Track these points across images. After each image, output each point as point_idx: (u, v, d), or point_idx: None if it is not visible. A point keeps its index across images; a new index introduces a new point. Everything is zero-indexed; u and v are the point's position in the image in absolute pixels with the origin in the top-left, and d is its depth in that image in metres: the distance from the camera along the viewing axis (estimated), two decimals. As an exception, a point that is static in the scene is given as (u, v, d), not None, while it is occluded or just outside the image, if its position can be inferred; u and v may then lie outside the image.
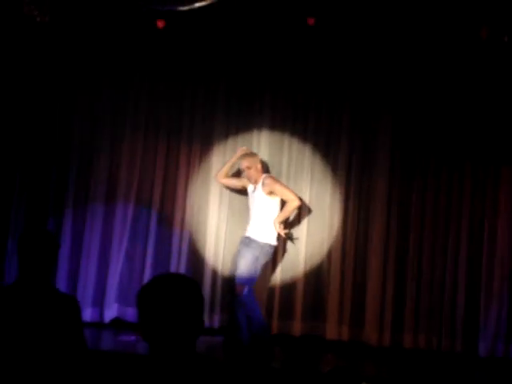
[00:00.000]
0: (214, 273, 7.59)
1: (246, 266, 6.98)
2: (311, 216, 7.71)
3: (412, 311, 7.55)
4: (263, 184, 7.14)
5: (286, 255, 7.68)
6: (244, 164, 7.23)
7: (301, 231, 7.67)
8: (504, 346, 7.46)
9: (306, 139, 7.79)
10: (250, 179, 7.24)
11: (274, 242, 7.14)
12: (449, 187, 7.67)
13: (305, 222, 7.70)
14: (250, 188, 7.31)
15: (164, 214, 7.71)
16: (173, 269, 7.55)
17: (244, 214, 7.49)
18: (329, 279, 7.61)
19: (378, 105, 7.77)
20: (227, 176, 7.50)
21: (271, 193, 7.14)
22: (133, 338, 7.03)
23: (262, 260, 7.08)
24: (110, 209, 7.68)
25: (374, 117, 7.77)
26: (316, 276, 7.64)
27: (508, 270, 7.51)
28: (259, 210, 7.15)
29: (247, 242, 7.07)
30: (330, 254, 7.65)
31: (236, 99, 7.81)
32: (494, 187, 7.60)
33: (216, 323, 7.50)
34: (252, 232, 7.11)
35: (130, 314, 7.56)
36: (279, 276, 7.66)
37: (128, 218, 7.65)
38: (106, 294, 7.58)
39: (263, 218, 7.13)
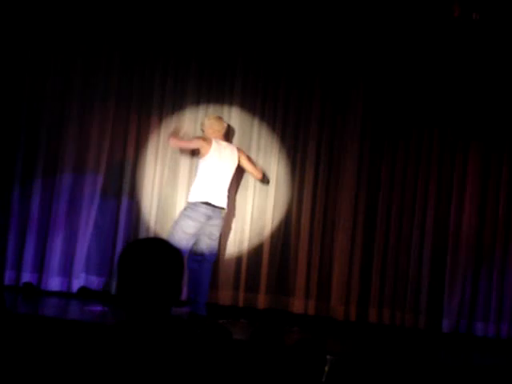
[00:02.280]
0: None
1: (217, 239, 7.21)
2: (279, 189, 7.73)
3: (378, 287, 7.63)
4: (238, 150, 7.37)
5: (253, 228, 7.71)
6: (225, 124, 7.36)
7: (267, 205, 7.71)
8: (467, 322, 7.58)
9: (276, 113, 7.80)
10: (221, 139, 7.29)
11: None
12: (417, 163, 7.75)
13: (271, 196, 7.72)
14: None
15: (134, 186, 7.70)
16: (141, 239, 7.53)
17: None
18: (296, 253, 7.67)
19: (348, 74, 7.78)
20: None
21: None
22: (99, 307, 7.05)
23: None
24: (79, 180, 7.63)
25: (345, 85, 7.79)
26: (283, 250, 7.69)
27: (473, 247, 7.60)
28: (230, 177, 7.26)
29: (220, 215, 7.13)
30: (297, 228, 7.70)
31: (207, 73, 7.78)
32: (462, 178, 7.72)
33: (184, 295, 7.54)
34: (223, 202, 7.16)
35: (98, 283, 7.57)
36: (246, 250, 7.71)
37: (97, 189, 7.62)
38: (73, 263, 7.57)
39: (229, 185, 7.28)
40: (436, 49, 7.66)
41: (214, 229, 7.07)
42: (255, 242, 7.70)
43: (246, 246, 7.70)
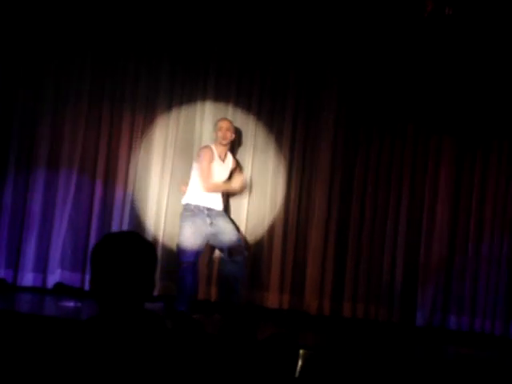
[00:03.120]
0: (155, 242, 7.60)
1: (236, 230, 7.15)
2: (254, 185, 7.75)
3: (352, 281, 7.67)
4: (232, 157, 7.29)
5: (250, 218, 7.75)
6: (224, 124, 7.21)
7: (243, 198, 7.72)
8: (441, 316, 7.63)
9: (251, 107, 7.82)
10: (223, 141, 7.17)
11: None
12: (390, 156, 7.79)
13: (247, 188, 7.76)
14: (219, 161, 7.21)
15: (108, 182, 7.70)
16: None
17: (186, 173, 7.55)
18: (270, 248, 7.69)
19: (323, 66, 7.81)
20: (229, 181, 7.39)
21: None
22: (74, 303, 7.05)
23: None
24: (53, 176, 7.63)
25: (320, 79, 7.81)
26: (257, 245, 7.72)
27: (446, 241, 7.66)
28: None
29: (223, 213, 7.17)
30: (271, 222, 7.73)
31: (180, 67, 7.78)
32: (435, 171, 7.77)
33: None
34: (221, 205, 7.18)
35: (73, 279, 7.57)
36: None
37: (71, 185, 7.62)
38: (48, 259, 7.56)
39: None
40: (411, 41, 7.66)
41: (222, 224, 7.08)
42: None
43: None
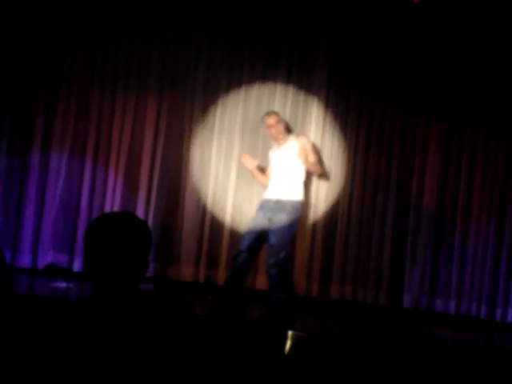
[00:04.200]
0: (146, 220, 7.67)
1: (285, 231, 7.00)
2: (244, 147, 7.77)
3: (340, 264, 7.71)
4: (297, 140, 7.19)
5: (214, 204, 7.78)
6: (272, 120, 7.16)
7: (230, 179, 7.80)
8: (428, 299, 7.70)
9: (243, 70, 7.86)
10: (275, 136, 7.19)
11: (304, 198, 7.23)
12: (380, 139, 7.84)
13: (234, 168, 7.81)
14: (273, 151, 7.29)
15: (98, 162, 7.75)
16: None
17: (178, 157, 7.68)
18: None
19: (314, 37, 7.81)
20: (265, 175, 7.43)
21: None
22: (66, 284, 7.09)
23: (297, 221, 7.16)
24: (45, 156, 7.68)
25: (311, 51, 7.82)
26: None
27: (433, 224, 7.70)
28: (290, 168, 7.16)
29: (280, 206, 7.05)
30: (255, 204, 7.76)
31: (173, 39, 7.85)
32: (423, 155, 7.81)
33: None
34: (283, 193, 7.11)
35: (64, 260, 7.62)
36: (208, 226, 7.78)
37: (63, 166, 7.67)
38: (40, 240, 7.61)
39: (294, 176, 7.15)
40: (403, 17, 7.69)
41: (276, 222, 7.07)
42: (216, 218, 7.79)
43: (207, 222, 7.78)
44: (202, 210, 7.78)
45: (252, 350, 3.91)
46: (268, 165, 7.41)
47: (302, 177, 7.19)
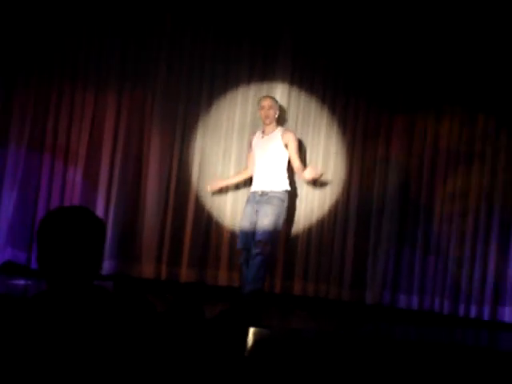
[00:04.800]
0: (106, 218, 7.60)
1: (270, 224, 6.96)
2: (204, 157, 7.75)
3: (302, 260, 7.68)
4: (283, 134, 7.16)
5: (176, 200, 7.73)
6: (266, 102, 7.18)
7: (192, 178, 7.74)
8: (391, 295, 7.69)
9: (203, 72, 7.81)
10: (265, 120, 7.17)
11: (289, 187, 7.20)
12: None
13: (197, 162, 7.76)
14: (257, 139, 7.26)
15: (57, 158, 7.65)
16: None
17: (138, 153, 7.63)
18: (220, 226, 7.71)
19: (277, 28, 7.79)
20: (243, 170, 7.50)
21: (286, 146, 7.15)
22: (23, 281, 6.99)
23: (284, 214, 7.13)
24: (2, 152, 7.57)
25: (274, 41, 7.79)
26: (207, 223, 7.73)
27: (396, 220, 7.69)
28: (273, 159, 7.14)
29: (265, 198, 7.03)
30: (220, 200, 7.73)
31: (134, 35, 7.78)
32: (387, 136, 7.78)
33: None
34: (267, 185, 7.09)
35: (23, 257, 7.51)
36: (169, 223, 7.72)
37: (20, 162, 7.57)
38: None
39: (277, 167, 7.13)
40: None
41: (260, 213, 7.05)
42: (178, 214, 7.72)
43: (169, 219, 7.71)
44: (163, 206, 7.71)
45: (211, 347, 3.85)
46: (249, 152, 7.38)
47: (285, 165, 7.18)
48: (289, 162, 7.20)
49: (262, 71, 7.79)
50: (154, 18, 7.76)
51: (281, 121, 7.50)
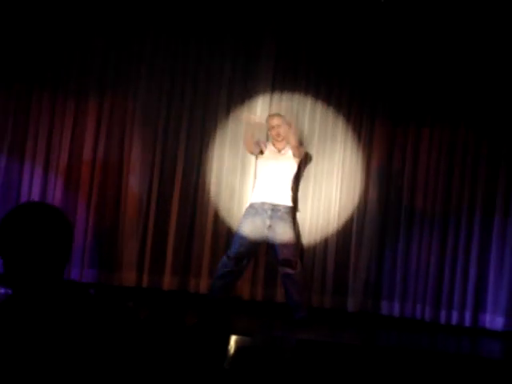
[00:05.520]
0: (86, 225, 7.60)
1: (292, 240, 7.04)
2: (187, 160, 7.75)
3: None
4: (297, 150, 7.13)
5: (157, 208, 7.71)
6: (275, 121, 7.14)
7: (174, 185, 7.72)
8: (372, 302, 7.68)
9: (186, 76, 7.80)
10: (277, 138, 7.13)
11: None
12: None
13: (179, 174, 7.73)
14: (271, 152, 7.21)
15: (37, 165, 7.62)
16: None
17: (119, 160, 7.61)
18: (203, 234, 7.69)
19: (260, 26, 7.80)
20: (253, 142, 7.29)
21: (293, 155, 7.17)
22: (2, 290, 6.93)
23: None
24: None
25: (257, 44, 7.80)
26: (189, 230, 7.71)
27: (377, 227, 7.69)
28: (287, 176, 7.14)
29: (279, 214, 7.02)
30: (202, 207, 7.71)
31: (114, 40, 7.76)
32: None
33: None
34: (278, 198, 7.07)
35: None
36: (151, 230, 7.69)
37: (1, 169, 7.55)
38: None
39: (289, 184, 7.15)
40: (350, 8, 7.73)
41: (278, 231, 7.05)
42: (160, 222, 7.70)
43: (150, 227, 7.68)
44: (144, 214, 7.68)
45: (192, 355, 3.83)
46: (253, 146, 7.26)
47: (293, 182, 7.24)
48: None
49: (244, 73, 7.78)
50: (135, 24, 7.74)
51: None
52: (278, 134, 7.12)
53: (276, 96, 7.76)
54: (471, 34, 7.60)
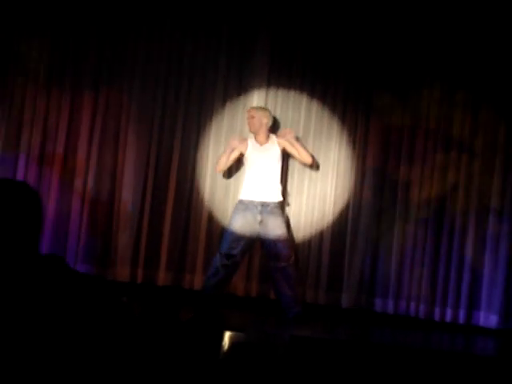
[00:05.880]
0: (81, 219, 7.61)
1: (284, 234, 7.10)
2: (182, 155, 7.75)
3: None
4: (279, 140, 7.17)
5: (153, 203, 7.72)
6: (249, 113, 7.21)
7: (169, 180, 7.72)
8: (367, 298, 7.67)
9: (182, 70, 7.79)
10: (250, 128, 7.19)
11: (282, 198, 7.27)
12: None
13: (174, 169, 7.73)
14: (252, 148, 7.20)
15: (32, 160, 7.62)
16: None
17: (113, 155, 7.65)
18: (197, 230, 7.69)
19: (255, 23, 7.79)
20: (226, 166, 7.37)
21: (283, 151, 7.20)
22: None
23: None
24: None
25: (251, 39, 7.79)
26: (184, 225, 7.70)
27: (372, 223, 7.69)
28: (273, 170, 7.15)
29: (269, 209, 7.06)
30: (197, 202, 7.71)
31: (109, 34, 7.76)
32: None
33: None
34: (266, 195, 7.10)
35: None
36: (146, 225, 7.70)
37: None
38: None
39: (275, 178, 7.17)
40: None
41: (270, 225, 7.09)
42: (155, 216, 7.69)
43: (145, 221, 7.68)
44: (139, 208, 7.68)
45: (185, 351, 3.83)
46: (229, 152, 7.29)
47: (280, 176, 7.24)
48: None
49: (239, 70, 7.76)
50: (130, 19, 7.73)
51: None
52: (251, 126, 7.18)
53: (271, 93, 7.74)
54: (466, 30, 7.60)
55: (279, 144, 7.21)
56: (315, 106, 7.74)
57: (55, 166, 7.64)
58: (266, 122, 7.22)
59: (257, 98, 7.70)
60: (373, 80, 7.69)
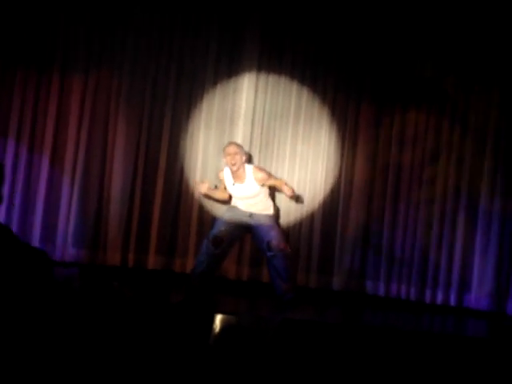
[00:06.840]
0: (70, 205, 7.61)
1: (276, 229, 7.11)
2: (172, 139, 7.74)
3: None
4: (255, 176, 7.03)
5: (144, 188, 7.72)
6: (231, 149, 7.02)
7: (159, 165, 7.71)
8: (358, 281, 7.68)
9: (172, 55, 7.77)
10: (232, 166, 7.00)
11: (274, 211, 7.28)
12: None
13: (164, 154, 7.72)
14: (229, 184, 7.12)
15: (21, 145, 7.61)
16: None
17: (103, 139, 7.64)
18: (188, 214, 7.69)
19: (245, 14, 7.76)
20: (221, 190, 7.31)
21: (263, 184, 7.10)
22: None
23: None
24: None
25: (241, 27, 7.76)
26: (175, 210, 7.70)
27: (363, 207, 7.69)
28: (253, 197, 7.08)
29: (262, 219, 7.08)
30: (187, 187, 7.70)
31: (99, 18, 7.72)
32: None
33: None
34: (258, 211, 7.11)
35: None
36: (137, 210, 7.69)
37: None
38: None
39: (263, 198, 7.12)
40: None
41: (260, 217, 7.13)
42: (145, 200, 7.68)
43: (136, 206, 7.66)
44: (129, 193, 7.67)
45: (177, 333, 3.83)
46: (222, 183, 7.25)
47: (267, 194, 7.19)
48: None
49: (229, 55, 7.73)
50: (121, 3, 7.69)
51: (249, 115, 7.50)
52: (234, 163, 7.00)
53: (261, 79, 7.72)
54: (458, 23, 7.59)
55: (257, 180, 7.06)
56: (306, 92, 7.72)
57: (45, 151, 7.61)
58: (245, 157, 7.14)
59: (247, 84, 7.67)
60: (364, 66, 7.68)
